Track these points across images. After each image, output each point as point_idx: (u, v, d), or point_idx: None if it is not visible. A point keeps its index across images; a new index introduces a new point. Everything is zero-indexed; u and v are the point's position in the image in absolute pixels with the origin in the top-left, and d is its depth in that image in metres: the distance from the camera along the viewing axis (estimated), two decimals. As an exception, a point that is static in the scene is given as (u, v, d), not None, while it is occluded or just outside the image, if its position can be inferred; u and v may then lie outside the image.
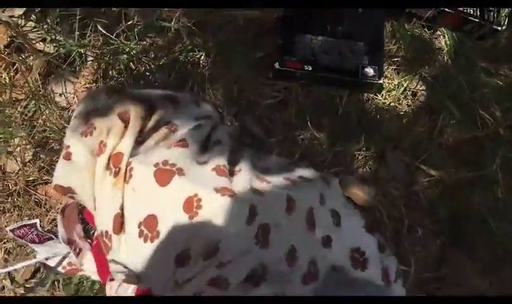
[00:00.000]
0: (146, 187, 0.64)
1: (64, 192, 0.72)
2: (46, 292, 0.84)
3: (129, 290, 0.73)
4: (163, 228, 0.63)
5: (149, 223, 0.64)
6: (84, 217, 0.84)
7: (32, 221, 0.78)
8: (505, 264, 0.90)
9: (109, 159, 0.67)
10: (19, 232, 0.77)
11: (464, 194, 0.92)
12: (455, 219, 0.92)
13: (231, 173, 0.70)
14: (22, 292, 0.84)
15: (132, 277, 0.67)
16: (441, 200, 0.92)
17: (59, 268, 0.83)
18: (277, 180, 0.74)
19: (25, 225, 0.78)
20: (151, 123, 0.71)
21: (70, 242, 0.80)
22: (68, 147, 0.68)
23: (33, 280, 0.86)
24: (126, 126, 0.68)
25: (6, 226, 0.85)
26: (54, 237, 0.80)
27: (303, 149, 0.90)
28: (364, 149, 0.92)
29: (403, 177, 0.94)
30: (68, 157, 0.68)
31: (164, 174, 0.64)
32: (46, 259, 0.83)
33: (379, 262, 0.79)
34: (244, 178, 0.69)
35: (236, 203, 0.63)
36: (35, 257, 0.85)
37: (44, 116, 0.85)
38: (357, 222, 0.83)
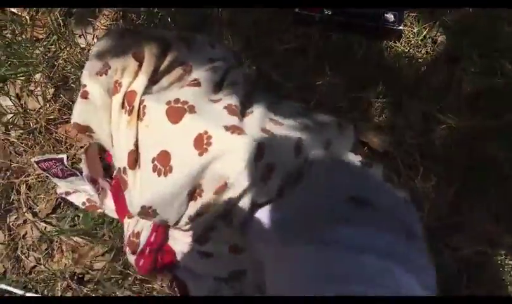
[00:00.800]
0: (159, 124, 0.65)
1: (83, 131, 0.73)
2: (67, 226, 0.87)
3: (147, 225, 0.75)
4: (176, 163, 0.64)
5: (162, 158, 0.65)
6: (105, 158, 0.85)
7: (60, 155, 0.79)
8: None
9: (124, 98, 0.67)
10: (45, 164, 0.79)
11: (481, 143, 0.92)
12: (471, 167, 0.91)
13: (243, 114, 0.70)
14: (43, 224, 0.87)
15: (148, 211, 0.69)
16: (458, 148, 0.92)
17: (79, 204, 0.85)
18: (289, 122, 0.74)
19: (51, 159, 0.79)
20: (165, 63, 0.71)
21: (92, 180, 0.81)
22: (85, 86, 0.69)
23: (54, 215, 0.89)
24: (140, 66, 0.68)
25: (26, 162, 0.87)
26: (78, 174, 0.82)
27: (321, 95, 0.90)
28: (381, 96, 0.92)
29: (419, 125, 0.94)
30: (85, 95, 0.69)
31: (175, 111, 0.65)
32: (66, 193, 0.84)
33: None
34: (255, 119, 0.69)
35: (244, 142, 0.64)
36: (55, 192, 0.87)
37: (65, 55, 0.85)
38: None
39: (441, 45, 0.95)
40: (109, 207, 0.84)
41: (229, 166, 0.64)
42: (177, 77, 0.71)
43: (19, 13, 0.87)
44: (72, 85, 0.88)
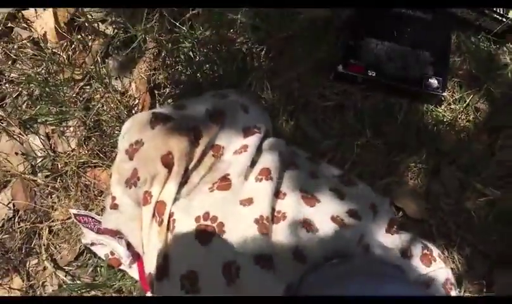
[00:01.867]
0: (187, 241, 0.65)
1: (114, 234, 0.74)
2: (88, 277, 0.83)
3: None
4: (204, 285, 0.63)
5: (190, 277, 0.64)
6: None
7: (99, 217, 0.77)
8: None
9: (155, 206, 0.67)
10: (82, 219, 0.76)
11: (520, 218, 0.89)
12: (509, 243, 0.89)
13: (274, 220, 0.68)
14: (63, 274, 0.83)
15: None
16: (494, 221, 0.90)
17: (102, 256, 0.81)
18: (323, 224, 0.70)
19: (91, 217, 0.77)
20: (196, 157, 0.69)
21: (128, 244, 0.78)
22: (114, 198, 0.70)
23: (75, 263, 0.85)
24: (170, 171, 0.67)
25: (53, 205, 0.84)
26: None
27: (358, 156, 0.88)
28: (419, 161, 0.90)
29: (456, 193, 0.91)
30: (115, 207, 0.70)
31: (204, 232, 0.64)
32: (92, 244, 0.81)
33: None
34: (286, 229, 0.67)
35: (273, 280, 0.61)
36: (79, 240, 0.83)
37: (101, 99, 0.83)
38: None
39: (483, 113, 0.93)
40: (134, 269, 0.80)
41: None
42: (208, 167, 0.71)
43: (58, 52, 0.84)
44: (105, 129, 0.85)
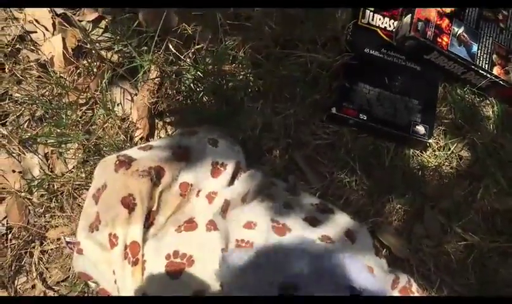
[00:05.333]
0: (159, 277, 0.67)
1: (88, 278, 0.76)
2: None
3: None
4: None
5: None
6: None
7: None
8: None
9: (125, 248, 0.69)
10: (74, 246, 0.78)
11: (497, 264, 0.93)
12: (485, 286, 0.93)
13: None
14: (51, 294, 0.84)
15: None
16: (473, 265, 0.94)
17: (93, 286, 0.82)
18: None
19: None
20: (157, 198, 0.72)
21: None
22: (79, 243, 0.71)
23: (63, 284, 0.86)
24: (131, 211, 0.69)
25: (46, 225, 0.85)
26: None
27: (346, 194, 0.92)
28: (404, 203, 0.94)
29: (437, 236, 0.95)
30: (80, 252, 0.72)
31: (175, 267, 0.67)
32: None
33: None
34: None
35: None
36: (71, 263, 0.84)
37: (104, 124, 0.85)
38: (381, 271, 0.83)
39: (466, 161, 0.98)
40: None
41: None
42: (174, 208, 0.74)
43: (64, 76, 0.87)
44: (103, 154, 0.87)
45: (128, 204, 0.69)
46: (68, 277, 0.86)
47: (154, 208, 0.72)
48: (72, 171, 0.87)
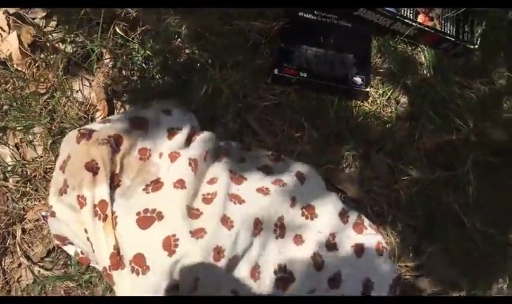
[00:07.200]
0: (131, 230, 0.76)
1: (62, 240, 0.85)
2: (59, 271, 0.92)
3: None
4: (150, 263, 0.74)
5: (138, 260, 0.74)
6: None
7: None
8: (474, 255, 1.00)
9: (94, 207, 0.77)
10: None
11: (439, 193, 1.03)
12: (431, 215, 1.02)
13: (206, 201, 0.81)
14: (38, 269, 0.92)
15: None
16: (419, 198, 1.03)
17: (72, 254, 0.90)
18: (249, 196, 0.83)
19: None
20: (118, 161, 0.81)
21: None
22: (51, 206, 0.80)
23: (47, 259, 0.94)
24: (95, 175, 0.78)
25: (24, 207, 0.93)
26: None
27: (298, 148, 1.00)
28: (352, 150, 1.03)
29: (385, 177, 1.04)
30: (53, 215, 0.80)
31: (145, 220, 0.76)
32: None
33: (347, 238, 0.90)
34: (216, 203, 0.79)
35: (206, 243, 0.74)
36: (51, 239, 0.92)
37: (65, 108, 0.93)
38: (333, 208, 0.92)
39: (404, 105, 1.07)
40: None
41: (196, 267, 0.73)
42: (136, 170, 0.82)
43: (22, 69, 0.95)
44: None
45: (92, 168, 0.77)
46: (50, 252, 0.93)
47: (117, 171, 0.80)
48: (42, 156, 0.94)
